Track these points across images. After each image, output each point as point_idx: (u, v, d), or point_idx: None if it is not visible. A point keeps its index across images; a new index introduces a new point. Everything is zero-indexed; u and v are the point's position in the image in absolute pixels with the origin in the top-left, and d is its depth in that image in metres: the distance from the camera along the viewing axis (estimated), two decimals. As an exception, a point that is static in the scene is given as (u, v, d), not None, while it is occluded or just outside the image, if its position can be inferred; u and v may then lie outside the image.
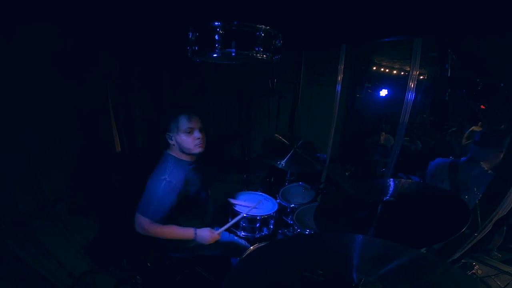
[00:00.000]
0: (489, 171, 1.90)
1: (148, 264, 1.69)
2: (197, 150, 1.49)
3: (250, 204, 1.85)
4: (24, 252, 1.33)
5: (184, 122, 1.44)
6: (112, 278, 1.64)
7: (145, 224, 1.39)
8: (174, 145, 1.49)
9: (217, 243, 1.66)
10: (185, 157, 1.54)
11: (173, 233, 1.47)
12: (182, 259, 1.66)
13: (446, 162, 2.12)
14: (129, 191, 1.93)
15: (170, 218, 1.44)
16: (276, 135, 2.44)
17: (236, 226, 1.92)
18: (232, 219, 1.88)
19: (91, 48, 1.60)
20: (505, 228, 1.83)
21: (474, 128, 3.51)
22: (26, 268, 1.33)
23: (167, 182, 1.39)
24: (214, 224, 1.71)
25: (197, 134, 1.47)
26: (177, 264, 1.67)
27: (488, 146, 1.92)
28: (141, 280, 1.60)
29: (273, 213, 1.91)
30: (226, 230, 1.74)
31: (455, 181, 2.03)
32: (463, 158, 2.07)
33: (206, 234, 1.52)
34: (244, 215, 1.72)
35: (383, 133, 3.97)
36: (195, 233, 1.50)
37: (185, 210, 1.53)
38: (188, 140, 1.45)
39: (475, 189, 1.83)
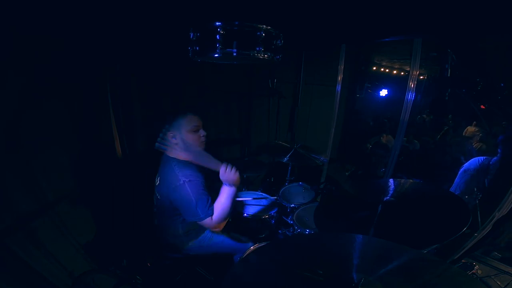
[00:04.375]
0: None
1: (148, 264, 1.69)
2: (202, 147, 1.53)
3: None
4: (24, 252, 1.33)
5: (190, 121, 1.48)
6: (112, 278, 1.64)
7: (211, 224, 1.40)
8: (177, 144, 1.48)
9: (218, 243, 1.66)
10: (187, 157, 1.53)
11: (225, 205, 1.42)
12: (182, 259, 1.66)
13: (477, 161, 2.13)
14: (129, 191, 1.93)
15: None
16: (276, 141, 2.47)
17: (237, 226, 1.92)
18: (232, 219, 1.88)
19: (91, 48, 1.60)
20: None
21: (469, 128, 3.53)
22: (26, 268, 1.33)
23: (188, 182, 1.40)
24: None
25: (202, 132, 1.52)
26: (177, 264, 1.67)
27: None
28: (141, 280, 1.60)
29: (273, 213, 1.91)
30: (226, 230, 1.74)
31: (482, 181, 2.02)
32: (495, 158, 2.07)
33: (225, 177, 1.41)
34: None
35: (385, 135, 3.97)
36: (227, 185, 1.43)
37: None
38: (193, 137, 1.49)
39: (475, 189, 1.83)
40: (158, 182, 1.52)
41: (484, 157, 2.11)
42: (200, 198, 1.39)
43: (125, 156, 1.95)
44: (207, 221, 1.40)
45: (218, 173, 1.42)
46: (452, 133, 3.90)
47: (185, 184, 1.39)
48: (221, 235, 1.69)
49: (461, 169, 2.18)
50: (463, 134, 3.67)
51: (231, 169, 1.40)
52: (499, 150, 2.04)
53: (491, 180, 1.87)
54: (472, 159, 2.17)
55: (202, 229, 1.63)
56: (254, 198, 1.84)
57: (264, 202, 2.07)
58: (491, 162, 2.04)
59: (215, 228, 1.44)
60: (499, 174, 1.88)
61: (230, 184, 1.42)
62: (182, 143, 1.47)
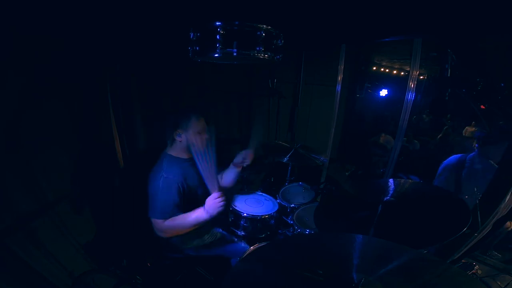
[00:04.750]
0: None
1: (148, 264, 1.70)
2: (203, 149, 1.53)
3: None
4: (24, 252, 1.33)
5: (197, 123, 1.52)
6: (112, 278, 1.64)
7: (160, 225, 1.42)
8: (180, 141, 1.52)
9: (217, 243, 1.66)
10: (183, 155, 1.57)
11: (187, 221, 1.42)
12: (182, 259, 1.66)
13: (455, 158, 2.19)
14: (129, 191, 1.93)
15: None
16: (276, 141, 2.47)
17: (237, 226, 1.92)
18: (233, 218, 1.88)
19: (91, 48, 1.60)
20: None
21: (468, 128, 3.53)
22: (26, 268, 1.33)
23: (164, 178, 1.43)
24: (214, 223, 1.72)
25: (206, 134, 1.56)
26: (177, 264, 1.67)
27: (490, 143, 1.99)
28: (141, 280, 1.60)
29: (273, 213, 1.91)
30: (226, 230, 1.75)
31: (460, 174, 2.08)
32: (471, 154, 2.12)
33: (211, 203, 1.40)
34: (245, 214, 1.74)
35: (383, 134, 3.97)
36: (205, 210, 1.41)
37: (185, 208, 1.53)
38: (198, 139, 1.52)
39: (475, 189, 1.83)
40: None
41: (462, 154, 2.18)
42: (165, 197, 1.41)
43: (125, 156, 1.95)
44: (158, 222, 1.41)
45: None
46: (452, 133, 3.91)
47: (161, 179, 1.42)
48: (225, 237, 1.70)
49: (441, 166, 2.23)
50: (463, 134, 3.68)
51: (221, 200, 1.38)
52: (476, 145, 2.10)
53: (492, 181, 1.88)
54: (451, 157, 2.23)
55: (205, 229, 1.64)
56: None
57: (264, 202, 2.07)
58: (467, 158, 2.10)
59: (160, 232, 1.44)
60: (499, 174, 1.88)
61: (208, 210, 1.39)
62: (186, 142, 1.52)
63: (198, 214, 1.42)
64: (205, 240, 1.64)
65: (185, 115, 1.52)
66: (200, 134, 1.53)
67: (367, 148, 4.08)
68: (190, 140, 1.51)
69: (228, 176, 1.76)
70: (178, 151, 1.56)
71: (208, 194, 1.63)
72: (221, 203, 1.38)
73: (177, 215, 1.43)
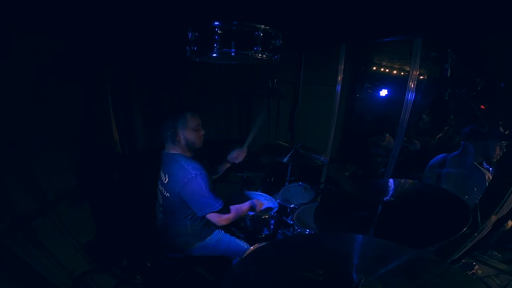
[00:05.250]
0: (480, 167, 1.93)
1: (148, 264, 1.69)
2: (200, 145, 1.60)
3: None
4: (24, 252, 1.33)
5: (192, 120, 1.53)
6: (112, 278, 1.64)
7: (217, 217, 1.49)
8: (181, 141, 1.53)
9: (217, 243, 1.67)
10: (187, 153, 1.57)
11: (240, 211, 1.62)
12: (182, 259, 1.66)
13: (440, 156, 2.18)
14: (129, 191, 1.93)
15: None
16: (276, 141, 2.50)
17: (237, 226, 1.92)
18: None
19: (91, 48, 1.60)
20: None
21: None
22: (26, 268, 1.33)
23: (200, 175, 1.45)
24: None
25: (202, 131, 1.58)
26: (177, 264, 1.67)
27: (476, 138, 1.95)
28: (141, 280, 1.60)
29: (273, 213, 1.91)
30: (228, 232, 1.75)
31: (440, 173, 2.08)
32: (455, 152, 2.10)
33: (258, 203, 1.78)
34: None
35: (388, 135, 3.96)
36: (253, 204, 1.73)
37: None
38: (196, 136, 1.55)
39: (475, 189, 1.83)
40: (166, 179, 1.53)
41: (444, 154, 2.18)
42: (210, 191, 1.46)
43: (125, 156, 1.95)
44: (216, 216, 1.48)
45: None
46: (453, 133, 3.90)
47: (197, 177, 1.45)
48: (227, 238, 1.70)
49: (427, 166, 2.24)
50: None
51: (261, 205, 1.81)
52: (461, 143, 2.06)
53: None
54: (437, 156, 2.23)
55: (209, 230, 1.64)
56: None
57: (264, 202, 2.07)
58: (448, 158, 2.10)
59: (222, 219, 1.51)
60: (499, 174, 1.88)
61: (255, 206, 1.74)
62: (184, 140, 1.53)
63: (248, 206, 1.69)
64: (207, 240, 1.64)
65: (180, 113, 1.53)
66: (196, 130, 1.54)
67: (368, 148, 4.08)
68: (187, 138, 1.53)
69: (218, 169, 1.90)
70: (183, 149, 1.56)
71: None
72: (263, 207, 1.81)
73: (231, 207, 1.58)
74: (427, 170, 2.22)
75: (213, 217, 1.49)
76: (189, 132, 1.52)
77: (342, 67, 3.21)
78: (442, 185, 2.04)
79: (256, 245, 1.61)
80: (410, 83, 2.64)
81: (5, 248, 1.24)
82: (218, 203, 1.47)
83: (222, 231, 1.74)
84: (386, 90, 4.54)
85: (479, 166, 1.91)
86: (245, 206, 1.67)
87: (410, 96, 2.66)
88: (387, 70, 4.87)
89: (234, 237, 1.75)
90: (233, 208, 1.59)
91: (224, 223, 1.52)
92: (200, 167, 1.48)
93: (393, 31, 2.00)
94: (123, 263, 1.87)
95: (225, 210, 1.52)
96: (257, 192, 2.17)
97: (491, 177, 1.88)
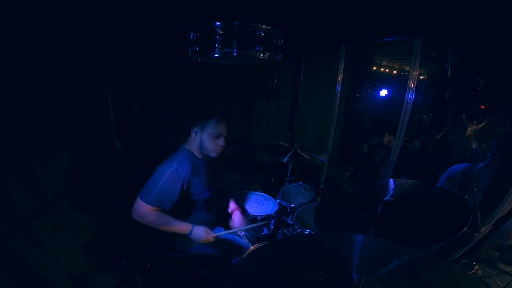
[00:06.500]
0: None
1: (148, 264, 1.69)
2: (214, 155, 1.51)
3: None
4: (24, 252, 1.33)
5: (215, 126, 1.45)
6: (112, 278, 1.64)
7: (143, 210, 1.35)
8: (195, 139, 1.48)
9: (217, 243, 1.66)
10: (197, 153, 1.53)
11: (168, 224, 1.40)
12: (182, 259, 1.66)
13: (462, 167, 2.01)
14: (129, 191, 1.93)
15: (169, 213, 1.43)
16: (276, 141, 2.49)
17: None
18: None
19: (91, 48, 1.60)
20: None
21: (469, 128, 3.51)
22: (26, 268, 1.33)
23: (174, 169, 1.38)
24: (215, 223, 1.72)
25: (221, 141, 1.49)
26: (177, 264, 1.67)
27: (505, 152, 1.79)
28: (141, 280, 1.60)
29: (273, 213, 1.91)
30: (227, 230, 1.74)
31: (466, 186, 1.91)
32: (480, 164, 1.95)
33: (202, 234, 1.46)
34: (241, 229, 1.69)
35: (387, 135, 3.96)
36: (192, 230, 1.44)
37: (185, 208, 1.51)
38: (211, 143, 1.46)
39: (475, 189, 1.82)
40: None
41: (467, 165, 1.99)
42: (166, 187, 1.35)
43: (125, 156, 1.95)
44: (144, 205, 1.34)
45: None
46: (453, 133, 3.90)
47: (170, 168, 1.37)
48: (227, 237, 1.70)
49: (444, 175, 2.07)
50: (466, 135, 3.65)
51: (209, 241, 1.48)
52: (489, 155, 1.90)
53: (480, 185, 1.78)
54: (454, 167, 2.05)
55: (210, 228, 1.63)
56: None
57: (264, 202, 2.07)
58: (475, 170, 1.92)
59: (138, 216, 1.36)
60: (499, 174, 1.88)
61: (193, 235, 1.45)
62: (199, 141, 1.48)
63: (183, 228, 1.43)
64: None
65: (206, 114, 1.45)
66: (217, 139, 1.46)
67: (368, 148, 4.08)
68: (204, 142, 1.46)
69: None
70: (194, 148, 1.52)
71: (211, 201, 1.61)
72: (205, 242, 1.47)
73: (165, 212, 1.39)
74: (445, 179, 2.05)
75: (136, 204, 1.36)
76: (207, 137, 1.45)
77: (342, 67, 3.22)
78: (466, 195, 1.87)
79: (256, 245, 1.61)
80: (410, 83, 2.64)
81: (5, 248, 1.24)
82: (151, 201, 1.33)
83: (222, 229, 1.74)
84: (386, 90, 4.54)
85: None
86: (178, 225, 1.42)
87: (410, 96, 2.66)
88: (387, 70, 4.87)
89: (234, 236, 1.75)
90: (164, 216, 1.38)
91: (137, 219, 1.37)
92: (185, 167, 1.38)
93: (393, 31, 2.00)
94: (123, 263, 1.87)
95: (151, 209, 1.35)
96: (257, 192, 2.17)
97: None
